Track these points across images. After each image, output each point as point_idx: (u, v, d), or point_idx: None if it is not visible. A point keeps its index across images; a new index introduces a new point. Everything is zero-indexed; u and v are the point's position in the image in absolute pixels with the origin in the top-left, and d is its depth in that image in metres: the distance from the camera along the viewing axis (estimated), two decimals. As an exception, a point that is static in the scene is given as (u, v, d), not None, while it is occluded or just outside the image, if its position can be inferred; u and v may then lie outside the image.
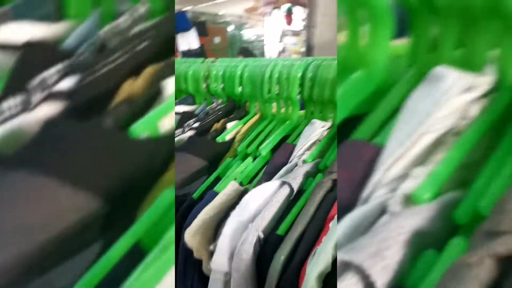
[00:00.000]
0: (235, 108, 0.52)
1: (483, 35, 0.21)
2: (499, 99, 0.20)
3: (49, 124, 0.19)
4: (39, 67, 0.23)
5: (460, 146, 0.18)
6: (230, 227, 0.23)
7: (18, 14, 0.25)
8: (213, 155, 0.38)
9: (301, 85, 0.45)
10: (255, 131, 0.45)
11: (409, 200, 0.17)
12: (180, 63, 0.63)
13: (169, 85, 0.22)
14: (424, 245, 0.16)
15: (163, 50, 0.24)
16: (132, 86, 0.23)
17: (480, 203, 0.16)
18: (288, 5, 2.34)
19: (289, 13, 2.33)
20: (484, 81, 0.20)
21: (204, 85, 0.55)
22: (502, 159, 0.17)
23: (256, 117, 0.50)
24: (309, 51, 1.94)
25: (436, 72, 0.21)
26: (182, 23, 2.26)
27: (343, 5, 0.24)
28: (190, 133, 0.43)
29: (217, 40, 2.89)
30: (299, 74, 0.45)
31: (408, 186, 0.18)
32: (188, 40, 2.33)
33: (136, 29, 0.25)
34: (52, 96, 0.22)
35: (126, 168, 0.18)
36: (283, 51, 2.39)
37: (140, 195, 0.19)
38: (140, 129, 0.19)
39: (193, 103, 0.58)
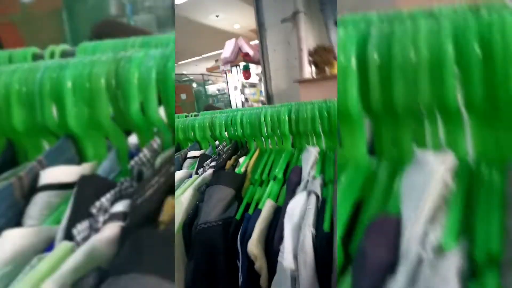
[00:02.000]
0: (238, 147, 0.58)
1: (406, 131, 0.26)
2: (462, 170, 0.25)
3: (132, 236, 0.21)
4: (96, 195, 0.26)
5: (454, 206, 0.22)
6: (288, 229, 0.27)
7: (50, 161, 0.29)
8: (237, 184, 0.43)
9: (289, 123, 0.55)
10: (261, 163, 0.51)
11: (440, 249, 0.20)
12: (179, 117, 0.69)
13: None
14: (465, 277, 0.19)
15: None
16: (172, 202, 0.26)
17: (491, 246, 0.20)
18: (244, 63, 2.61)
19: (246, 70, 2.58)
20: (450, 157, 0.24)
21: (209, 132, 0.61)
22: (487, 214, 0.22)
23: (257, 152, 0.57)
24: (269, 99, 2.13)
25: (419, 156, 0.24)
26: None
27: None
28: (210, 170, 0.47)
29: (183, 96, 3.02)
30: (287, 116, 0.55)
31: (432, 239, 0.21)
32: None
33: (158, 160, 0.29)
34: (113, 217, 0.24)
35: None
36: (246, 100, 2.59)
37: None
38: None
39: (200, 148, 0.63)
